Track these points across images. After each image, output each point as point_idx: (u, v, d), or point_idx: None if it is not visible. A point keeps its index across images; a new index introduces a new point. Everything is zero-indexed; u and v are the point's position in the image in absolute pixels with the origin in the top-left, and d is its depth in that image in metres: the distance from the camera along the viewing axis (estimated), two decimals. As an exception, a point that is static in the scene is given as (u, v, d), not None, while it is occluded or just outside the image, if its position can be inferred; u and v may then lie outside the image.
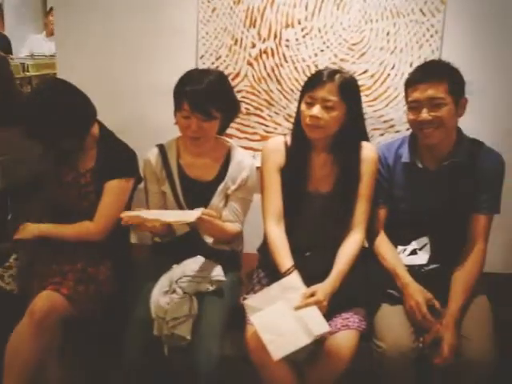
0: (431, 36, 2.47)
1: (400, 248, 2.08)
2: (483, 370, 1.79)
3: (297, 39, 2.54)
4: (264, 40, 2.56)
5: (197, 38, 2.58)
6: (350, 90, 1.96)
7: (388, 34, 2.50)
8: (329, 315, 1.85)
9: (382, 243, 2.09)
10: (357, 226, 2.03)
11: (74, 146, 2.14)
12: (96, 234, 2.10)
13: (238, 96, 2.49)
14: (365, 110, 2.10)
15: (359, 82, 2.10)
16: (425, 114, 1.92)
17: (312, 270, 1.93)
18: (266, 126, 2.66)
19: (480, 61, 2.46)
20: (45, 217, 2.20)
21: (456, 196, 2.03)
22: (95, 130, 2.17)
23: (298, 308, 1.81)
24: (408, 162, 2.07)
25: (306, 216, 2.06)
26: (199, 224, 1.96)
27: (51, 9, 5.42)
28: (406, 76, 2.05)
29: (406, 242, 2.08)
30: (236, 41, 2.58)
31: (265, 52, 2.57)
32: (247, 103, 2.63)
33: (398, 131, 2.56)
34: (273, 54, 2.57)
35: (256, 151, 2.59)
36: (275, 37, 2.55)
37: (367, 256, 2.06)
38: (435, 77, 1.92)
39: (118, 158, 2.15)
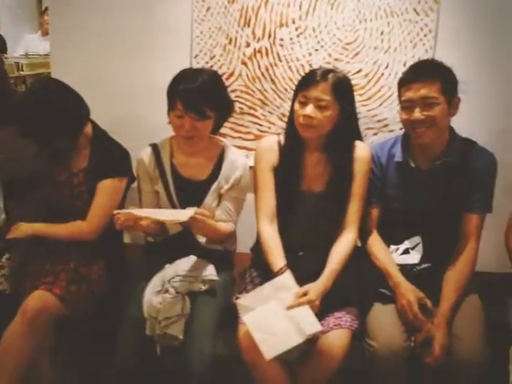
0: (425, 35, 2.48)
1: (392, 247, 2.08)
2: (474, 369, 1.80)
3: (291, 38, 2.54)
4: (258, 39, 2.56)
5: (191, 38, 2.58)
6: (343, 89, 1.96)
7: (382, 33, 2.50)
8: (321, 314, 1.85)
9: (375, 243, 2.09)
10: (350, 225, 2.03)
11: (67, 145, 2.14)
12: (89, 234, 2.10)
13: (232, 95, 2.49)
14: (359, 109, 2.10)
15: (353, 82, 2.10)
16: (417, 114, 1.92)
17: (305, 269, 1.94)
18: (260, 125, 2.66)
19: (473, 60, 2.46)
20: (38, 216, 2.20)
21: (448, 195, 2.03)
22: (88, 129, 2.17)
23: (290, 307, 1.81)
24: (401, 161, 2.07)
25: (299, 215, 2.06)
26: (192, 223, 1.96)
27: (46, 8, 5.43)
28: (399, 75, 2.05)
29: (399, 242, 2.08)
30: (230, 40, 2.57)
31: (259, 51, 2.57)
32: (241, 102, 2.63)
33: (391, 130, 2.56)
34: (267, 54, 2.57)
35: (250, 150, 2.58)
36: (269, 36, 2.55)
37: (360, 255, 2.07)
38: (428, 76, 1.92)
39: (111, 157, 2.15)
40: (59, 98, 2.03)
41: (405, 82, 1.98)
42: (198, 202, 2.08)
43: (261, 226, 2.03)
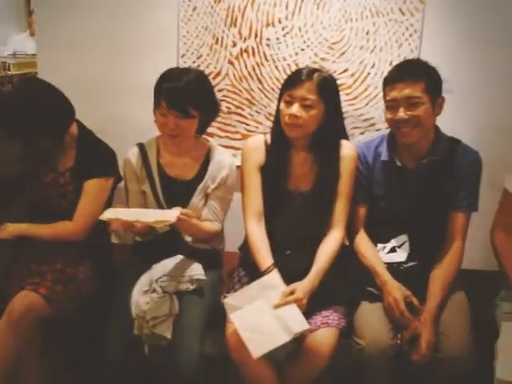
0: (410, 35, 2.49)
1: (379, 246, 2.09)
2: (460, 366, 1.81)
3: (277, 38, 2.54)
4: (245, 39, 2.56)
5: (178, 37, 2.57)
6: (328, 88, 1.97)
7: (368, 33, 2.51)
8: (308, 313, 1.86)
9: (362, 241, 2.10)
10: (336, 224, 2.03)
11: (53, 145, 2.13)
12: (75, 234, 2.09)
13: (219, 95, 2.49)
14: (345, 108, 2.11)
15: (339, 81, 2.11)
16: (401, 113, 1.93)
17: (292, 268, 1.94)
18: (247, 124, 2.66)
19: (458, 60, 2.48)
20: (24, 217, 2.19)
21: (434, 194, 2.04)
22: (74, 129, 2.16)
23: (277, 306, 1.81)
24: (387, 160, 2.08)
25: (286, 214, 2.06)
26: (177, 223, 1.96)
27: (34, 8, 5.39)
28: (385, 75, 2.06)
29: (386, 240, 2.09)
30: (217, 40, 2.57)
31: (246, 51, 2.57)
32: (228, 102, 2.63)
33: (378, 129, 2.56)
34: (254, 53, 2.57)
35: (237, 150, 2.57)
36: (256, 36, 2.55)
37: (347, 254, 2.08)
38: (412, 76, 1.93)
39: (97, 157, 2.14)
40: (44, 98, 2.02)
41: (389, 82, 1.99)
42: (184, 202, 2.08)
43: (248, 225, 2.03)
